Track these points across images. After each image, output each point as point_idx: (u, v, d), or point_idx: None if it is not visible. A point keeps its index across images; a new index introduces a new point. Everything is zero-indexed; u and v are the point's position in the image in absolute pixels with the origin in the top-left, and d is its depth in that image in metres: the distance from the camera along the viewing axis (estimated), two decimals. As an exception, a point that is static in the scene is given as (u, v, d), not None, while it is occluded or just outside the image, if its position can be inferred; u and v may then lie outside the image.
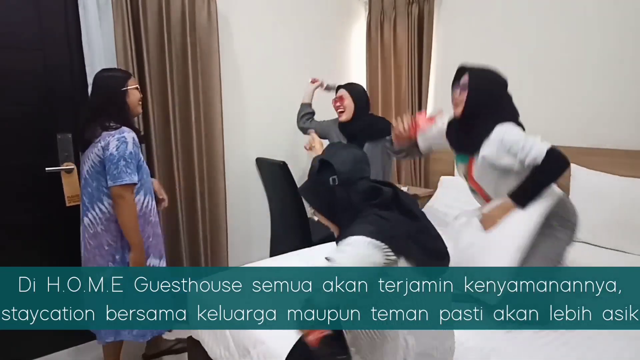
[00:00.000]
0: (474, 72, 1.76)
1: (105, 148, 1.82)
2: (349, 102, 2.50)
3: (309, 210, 1.25)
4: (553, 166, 1.68)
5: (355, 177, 1.23)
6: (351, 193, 1.21)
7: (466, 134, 1.81)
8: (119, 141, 1.83)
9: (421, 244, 1.16)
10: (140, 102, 2.01)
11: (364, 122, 2.51)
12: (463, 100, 1.75)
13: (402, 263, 1.12)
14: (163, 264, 2.10)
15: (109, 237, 1.91)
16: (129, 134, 1.86)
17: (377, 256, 1.08)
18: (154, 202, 2.05)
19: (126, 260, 1.93)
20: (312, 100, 2.85)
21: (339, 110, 2.54)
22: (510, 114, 1.77)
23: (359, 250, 1.08)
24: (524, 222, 1.68)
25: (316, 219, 1.33)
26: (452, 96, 1.83)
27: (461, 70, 1.80)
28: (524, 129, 1.77)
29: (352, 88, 2.56)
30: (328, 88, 2.83)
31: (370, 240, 1.08)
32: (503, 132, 1.70)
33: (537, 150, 1.65)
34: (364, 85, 3.66)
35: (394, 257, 1.10)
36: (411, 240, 1.14)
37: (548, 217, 1.71)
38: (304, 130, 2.82)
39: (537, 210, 1.69)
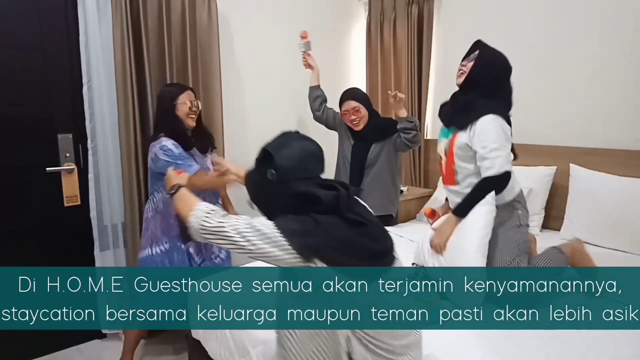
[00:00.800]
0: (486, 48, 1.86)
1: (155, 159, 2.02)
2: (364, 112, 2.49)
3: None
4: (493, 186, 1.76)
5: (295, 176, 1.13)
6: (285, 193, 1.12)
7: (460, 109, 1.86)
8: (162, 149, 2.00)
9: (354, 249, 1.10)
10: (190, 115, 2.13)
11: (371, 125, 2.51)
12: (468, 70, 1.84)
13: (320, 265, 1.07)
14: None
15: (153, 225, 2.12)
16: (167, 141, 2.03)
17: (279, 252, 1.06)
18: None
19: (171, 250, 2.10)
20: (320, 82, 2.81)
21: (355, 122, 2.50)
22: (505, 106, 1.83)
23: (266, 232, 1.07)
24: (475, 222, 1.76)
25: (255, 208, 1.24)
26: (459, 66, 1.92)
27: (475, 45, 1.89)
28: (510, 125, 1.82)
29: (361, 97, 2.53)
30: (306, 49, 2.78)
31: (280, 239, 1.06)
32: (488, 123, 1.75)
33: (496, 166, 1.73)
34: (365, 86, 3.67)
35: (302, 262, 1.06)
36: (343, 247, 1.08)
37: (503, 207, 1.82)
38: (320, 120, 2.79)
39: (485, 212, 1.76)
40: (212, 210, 1.16)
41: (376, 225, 1.20)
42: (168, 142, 2.02)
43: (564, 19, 2.63)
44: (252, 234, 1.07)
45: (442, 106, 2.01)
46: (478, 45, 1.88)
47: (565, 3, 2.62)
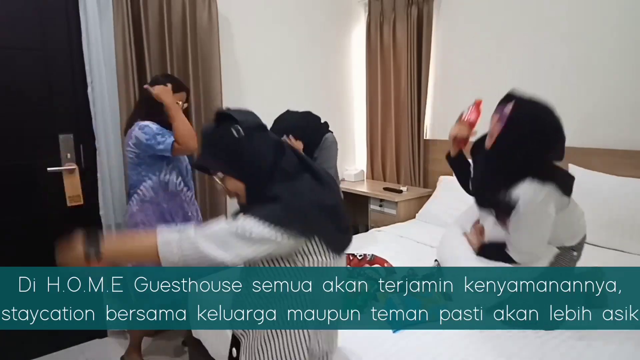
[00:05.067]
0: (521, 102, 1.47)
1: (138, 143, 1.98)
2: (298, 144, 2.33)
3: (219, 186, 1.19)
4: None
5: (258, 125, 1.14)
6: (257, 142, 1.10)
7: (492, 181, 1.60)
8: (140, 129, 1.98)
9: (334, 216, 1.11)
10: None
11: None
12: (496, 132, 1.50)
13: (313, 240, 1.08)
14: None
15: (142, 217, 2.08)
16: (142, 122, 2.00)
17: (278, 243, 1.04)
18: (184, 185, 2.17)
19: None
20: None
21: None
22: (548, 171, 1.52)
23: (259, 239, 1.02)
24: None
25: (219, 188, 1.17)
26: (491, 120, 1.56)
27: (509, 96, 1.51)
28: (567, 188, 1.56)
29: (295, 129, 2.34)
30: None
31: (272, 230, 1.02)
32: (523, 199, 1.47)
33: (516, 251, 1.56)
34: (364, 87, 3.67)
35: (300, 239, 1.06)
36: (324, 214, 1.09)
37: None
38: None
39: None
40: (181, 232, 1.05)
41: (336, 186, 1.22)
42: (145, 122, 1.99)
43: (564, 19, 2.63)
44: (239, 246, 1.03)
45: (475, 147, 1.73)
46: (512, 98, 1.48)
47: (565, 3, 2.63)
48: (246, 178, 1.12)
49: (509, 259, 1.62)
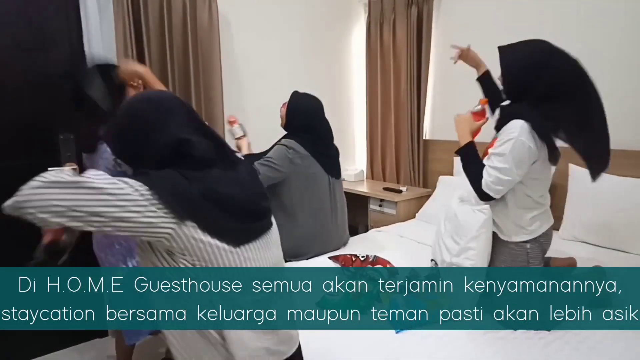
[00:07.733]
0: (505, 50, 1.76)
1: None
2: (284, 111, 2.38)
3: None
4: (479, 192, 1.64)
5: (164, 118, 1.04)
6: (161, 137, 1.02)
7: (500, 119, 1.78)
8: None
9: (230, 207, 1.05)
10: None
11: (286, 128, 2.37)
12: (501, 81, 1.77)
13: (191, 228, 1.00)
14: None
15: (121, 237, 1.93)
16: None
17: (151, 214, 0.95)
18: None
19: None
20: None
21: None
22: (547, 105, 1.65)
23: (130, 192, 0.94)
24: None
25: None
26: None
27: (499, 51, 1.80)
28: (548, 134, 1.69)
29: (291, 98, 2.37)
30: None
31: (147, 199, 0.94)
32: (509, 130, 1.62)
33: (487, 180, 1.61)
34: (364, 87, 3.67)
35: (174, 222, 0.97)
36: (212, 203, 1.01)
37: None
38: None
39: None
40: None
41: (251, 179, 1.16)
42: None
43: (564, 19, 2.64)
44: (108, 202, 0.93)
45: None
46: (499, 51, 1.74)
47: (565, 3, 2.63)
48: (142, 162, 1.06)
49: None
